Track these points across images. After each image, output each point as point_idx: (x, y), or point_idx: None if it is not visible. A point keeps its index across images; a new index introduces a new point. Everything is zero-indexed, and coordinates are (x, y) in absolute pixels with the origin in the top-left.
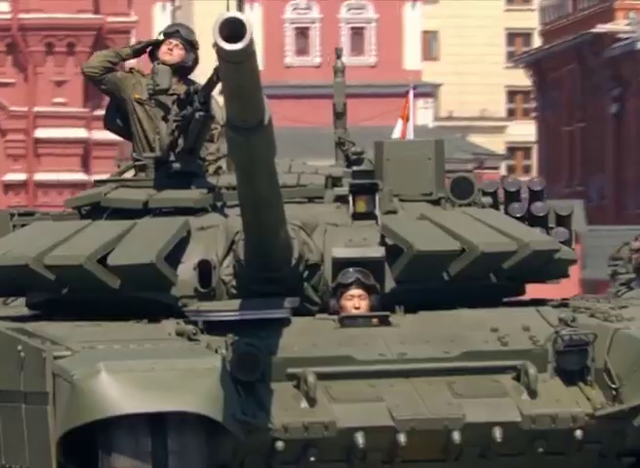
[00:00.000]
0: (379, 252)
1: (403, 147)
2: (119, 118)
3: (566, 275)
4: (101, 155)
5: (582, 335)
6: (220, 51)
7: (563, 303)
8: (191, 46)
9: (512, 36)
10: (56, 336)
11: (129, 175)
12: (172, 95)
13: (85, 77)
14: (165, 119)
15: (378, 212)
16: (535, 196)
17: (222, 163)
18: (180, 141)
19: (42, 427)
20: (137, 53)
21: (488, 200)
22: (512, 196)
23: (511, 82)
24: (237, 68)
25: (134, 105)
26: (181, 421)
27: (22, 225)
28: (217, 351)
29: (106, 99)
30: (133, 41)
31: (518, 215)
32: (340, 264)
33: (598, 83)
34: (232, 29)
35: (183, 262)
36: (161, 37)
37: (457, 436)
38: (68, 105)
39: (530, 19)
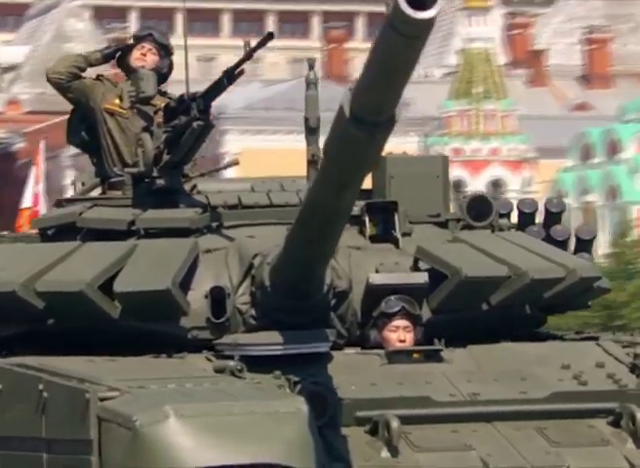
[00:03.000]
0: (421, 277)
1: (409, 163)
2: (84, 130)
3: (587, 306)
4: None
5: None
6: (398, 20)
7: (591, 336)
8: (166, 51)
9: None
10: (82, 373)
11: (94, 193)
12: (148, 104)
13: (50, 84)
14: (148, 130)
15: (398, 233)
16: (552, 218)
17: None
18: (165, 155)
19: None
20: (107, 58)
21: (505, 222)
22: (528, 218)
23: None
24: (410, 44)
25: (104, 116)
26: None
27: None
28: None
29: None
30: None
31: None
32: (377, 292)
33: None
34: None
35: (193, 289)
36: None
37: None
38: None
39: None
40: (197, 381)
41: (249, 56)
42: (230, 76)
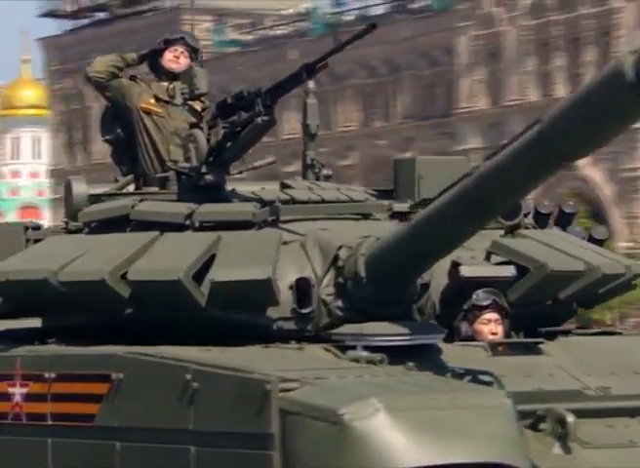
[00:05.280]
0: (509, 271)
1: (437, 165)
2: (119, 128)
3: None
4: None
5: None
6: None
7: (613, 331)
8: (197, 54)
9: None
10: (234, 364)
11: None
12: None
13: (90, 82)
14: (198, 127)
15: None
16: (566, 219)
17: None
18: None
19: None
20: (142, 59)
21: (530, 221)
22: (544, 218)
23: None
24: None
25: (140, 115)
26: None
27: (36, 240)
28: None
29: None
30: None
31: None
32: (467, 284)
33: None
34: None
35: (277, 280)
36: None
37: None
38: None
39: None
40: (372, 372)
41: (340, 48)
42: (311, 70)
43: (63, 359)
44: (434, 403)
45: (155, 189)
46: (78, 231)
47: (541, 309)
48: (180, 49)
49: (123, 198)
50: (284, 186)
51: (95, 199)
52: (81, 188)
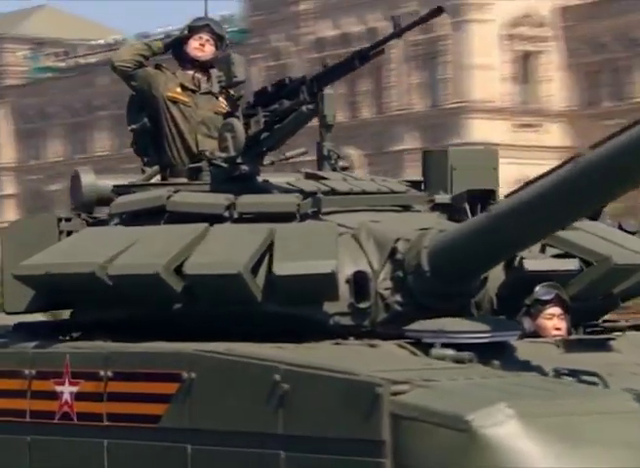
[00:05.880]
0: (573, 264)
1: (468, 156)
2: (146, 117)
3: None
4: None
5: None
6: None
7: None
8: (222, 42)
9: None
10: (324, 364)
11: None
12: (205, 93)
13: (115, 72)
14: (232, 115)
15: None
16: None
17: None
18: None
19: None
20: (167, 47)
21: None
22: None
23: None
24: None
25: (167, 104)
26: None
27: (69, 232)
28: None
29: None
30: None
31: None
32: (531, 279)
33: None
34: None
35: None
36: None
37: None
38: None
39: None
40: (481, 373)
41: (398, 34)
42: (364, 56)
43: (122, 356)
44: (564, 408)
45: (183, 180)
46: (97, 223)
47: (594, 304)
48: (205, 36)
49: (154, 189)
50: (315, 177)
51: (122, 190)
52: (89, 179)
